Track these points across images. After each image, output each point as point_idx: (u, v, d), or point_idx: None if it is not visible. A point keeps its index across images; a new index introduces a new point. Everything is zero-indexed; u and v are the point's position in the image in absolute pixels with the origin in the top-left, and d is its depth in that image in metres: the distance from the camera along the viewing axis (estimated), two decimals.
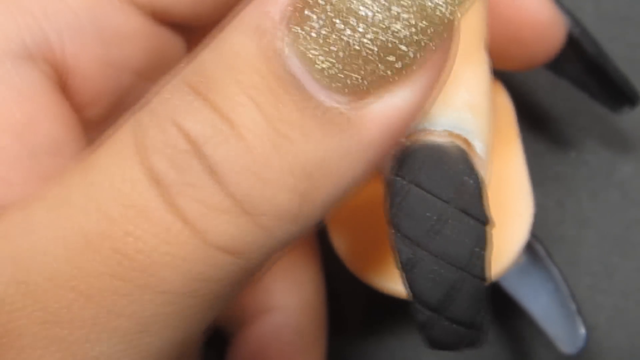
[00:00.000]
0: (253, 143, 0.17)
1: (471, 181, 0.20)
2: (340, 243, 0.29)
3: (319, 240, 0.31)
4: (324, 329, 0.30)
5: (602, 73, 0.30)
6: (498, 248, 0.28)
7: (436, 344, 0.21)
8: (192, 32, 0.26)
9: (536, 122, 0.35)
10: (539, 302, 0.32)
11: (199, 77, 0.17)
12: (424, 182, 0.20)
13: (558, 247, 0.33)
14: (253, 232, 0.18)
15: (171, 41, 0.25)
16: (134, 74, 0.24)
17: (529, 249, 0.31)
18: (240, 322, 0.30)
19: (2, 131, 0.21)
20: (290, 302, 0.29)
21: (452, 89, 0.21)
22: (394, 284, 0.27)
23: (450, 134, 0.20)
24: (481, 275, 0.20)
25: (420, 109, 0.18)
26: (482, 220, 0.20)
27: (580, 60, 0.30)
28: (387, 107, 0.17)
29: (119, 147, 0.18)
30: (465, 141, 0.21)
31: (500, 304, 0.33)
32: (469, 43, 0.21)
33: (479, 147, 0.21)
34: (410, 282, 0.20)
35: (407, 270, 0.20)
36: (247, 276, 0.19)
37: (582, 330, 0.30)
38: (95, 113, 0.24)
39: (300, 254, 0.30)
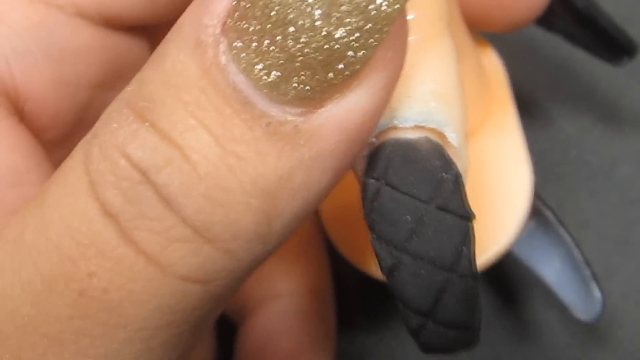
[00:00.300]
0: (206, 167, 0.16)
1: (448, 176, 0.19)
2: (334, 233, 0.28)
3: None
4: (333, 314, 0.30)
5: (595, 26, 0.29)
6: (500, 222, 0.27)
7: (429, 349, 0.20)
8: (153, 31, 0.25)
9: (536, 122, 0.34)
10: (551, 268, 0.31)
11: (142, 100, 0.17)
12: (394, 181, 0.18)
13: None
14: (219, 258, 0.17)
15: (130, 46, 0.24)
16: (92, 87, 0.23)
17: (538, 214, 0.30)
18: (247, 310, 0.29)
19: None
20: (295, 288, 0.29)
21: (417, 80, 0.19)
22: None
23: (421, 127, 0.19)
24: (470, 274, 0.19)
25: (379, 109, 0.17)
26: (464, 216, 0.19)
27: (570, 15, 0.28)
28: (343, 112, 0.16)
29: (71, 181, 0.17)
30: (438, 133, 0.19)
31: (512, 271, 0.33)
32: (430, 28, 0.20)
33: (452, 137, 0.19)
34: (394, 287, 0.19)
35: (390, 275, 0.19)
36: (222, 300, 0.18)
37: (598, 295, 0.29)
38: (56, 133, 0.23)
39: (304, 241, 0.30)
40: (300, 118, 0.16)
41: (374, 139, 0.19)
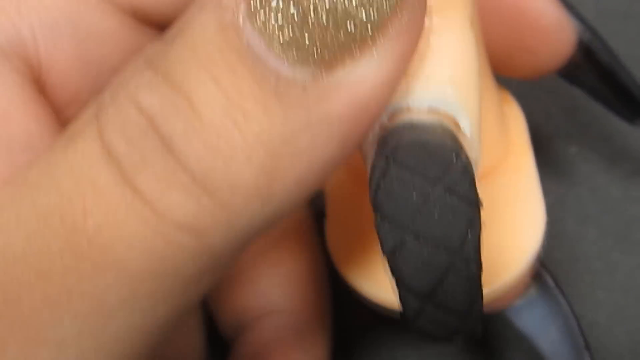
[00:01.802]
0: (210, 117, 0.16)
1: (458, 161, 0.19)
2: (341, 261, 0.27)
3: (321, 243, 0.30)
4: (328, 330, 0.30)
5: (616, 82, 0.29)
6: (509, 261, 0.26)
7: (427, 335, 0.19)
8: None
9: (535, 118, 0.34)
10: (548, 338, 0.30)
11: (157, 53, 0.17)
12: (403, 159, 0.19)
13: (558, 243, 0.32)
14: (215, 210, 0.17)
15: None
16: (114, 73, 0.24)
17: (539, 280, 0.30)
18: (241, 326, 0.29)
19: None
20: (290, 304, 0.29)
21: (435, 62, 0.20)
22: (384, 293, 0.25)
23: (434, 111, 0.19)
24: (474, 259, 0.19)
25: (391, 81, 0.17)
26: (471, 201, 0.19)
27: (594, 69, 0.29)
28: (353, 78, 0.17)
29: (80, 127, 0.18)
30: (451, 118, 0.19)
31: (508, 339, 0.32)
32: (452, 14, 0.20)
33: (466, 125, 0.19)
34: (395, 268, 0.19)
35: (392, 256, 0.19)
36: (215, 261, 0.18)
37: None
38: (75, 113, 0.24)
39: (299, 255, 0.30)
40: (310, 80, 0.17)
41: (385, 120, 0.19)
